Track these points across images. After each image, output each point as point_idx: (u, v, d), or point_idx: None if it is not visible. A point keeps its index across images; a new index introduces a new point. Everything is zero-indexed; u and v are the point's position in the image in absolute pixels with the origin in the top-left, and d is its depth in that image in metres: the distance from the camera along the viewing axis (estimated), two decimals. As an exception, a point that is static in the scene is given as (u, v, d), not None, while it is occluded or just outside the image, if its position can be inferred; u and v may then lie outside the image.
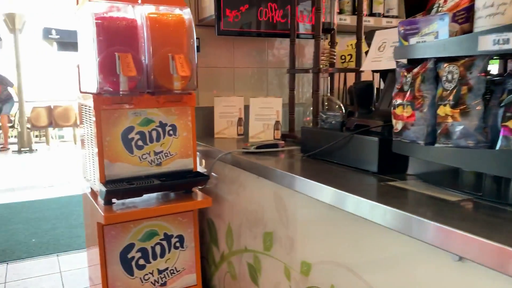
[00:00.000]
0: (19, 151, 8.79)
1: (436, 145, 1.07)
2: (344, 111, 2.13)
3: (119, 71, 1.69)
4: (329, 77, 2.22)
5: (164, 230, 1.98)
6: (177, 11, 1.94)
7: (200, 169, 2.26)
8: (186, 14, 1.92)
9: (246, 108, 2.31)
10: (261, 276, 1.74)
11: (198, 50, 2.34)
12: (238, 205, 1.86)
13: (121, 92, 1.73)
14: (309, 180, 1.30)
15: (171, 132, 1.92)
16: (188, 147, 1.97)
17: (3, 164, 7.54)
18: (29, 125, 9.25)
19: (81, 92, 2.00)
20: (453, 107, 1.00)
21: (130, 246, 1.92)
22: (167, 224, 1.98)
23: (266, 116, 2.16)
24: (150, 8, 1.87)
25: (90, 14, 1.72)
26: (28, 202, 4.85)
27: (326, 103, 2.17)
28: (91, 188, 2.03)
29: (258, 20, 2.28)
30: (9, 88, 8.89)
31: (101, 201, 1.83)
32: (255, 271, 1.78)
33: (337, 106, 2.15)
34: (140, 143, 1.86)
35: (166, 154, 1.92)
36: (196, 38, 2.32)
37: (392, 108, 1.20)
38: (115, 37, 1.75)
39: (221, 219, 2.05)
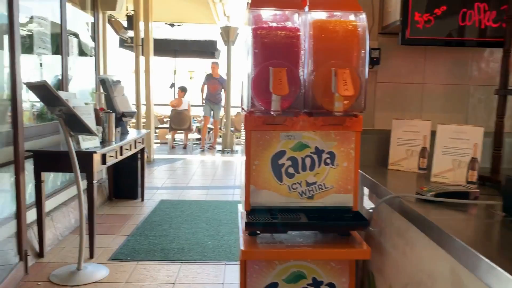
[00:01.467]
0: (222, 151, 9.68)
1: None
2: None
3: (271, 88, 1.46)
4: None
5: (313, 274, 1.68)
6: (350, 17, 1.62)
7: (364, 207, 1.88)
8: (360, 20, 1.58)
9: (434, 135, 1.83)
10: None
11: (377, 63, 1.96)
12: (403, 266, 1.43)
13: (272, 112, 1.50)
14: (501, 270, 0.82)
15: (328, 160, 1.61)
16: (348, 180, 1.62)
17: (206, 163, 8.39)
18: (232, 128, 10.11)
19: (241, 108, 1.86)
20: None
21: (273, 286, 1.69)
22: (317, 268, 1.68)
23: (458, 149, 1.65)
24: (317, 15, 1.60)
25: (248, 23, 1.55)
26: (215, 202, 5.17)
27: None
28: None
29: (460, 25, 1.76)
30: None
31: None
32: None
33: None
34: (291, 170, 1.61)
35: (320, 186, 1.62)
36: (376, 49, 1.96)
37: None
38: (272, 49, 1.54)
39: (382, 276, 1.63)
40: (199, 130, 11.36)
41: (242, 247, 1.55)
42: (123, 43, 8.34)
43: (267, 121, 1.57)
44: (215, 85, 9.69)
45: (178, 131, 10.25)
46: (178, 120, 9.74)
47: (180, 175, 6.90)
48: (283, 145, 1.60)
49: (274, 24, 1.55)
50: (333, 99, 1.49)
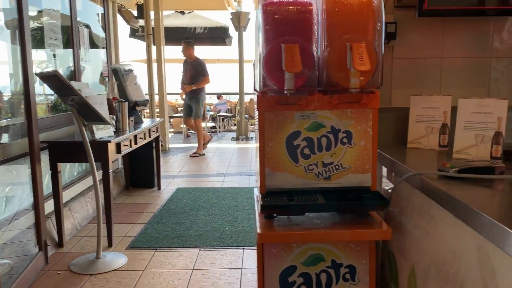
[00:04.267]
0: (237, 138, 9.66)
1: None
2: None
3: (284, 66, 1.41)
4: None
5: (332, 256, 1.65)
6: (364, -11, 1.55)
7: (382, 187, 1.83)
8: (375, -8, 1.51)
9: (454, 111, 1.76)
10: None
11: (393, 37, 1.89)
12: (425, 246, 1.38)
13: (285, 91, 1.46)
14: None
15: (345, 140, 1.56)
16: (366, 160, 1.57)
17: (222, 150, 8.38)
18: (246, 115, 10.07)
19: (254, 90, 1.82)
20: None
21: (292, 269, 1.65)
22: (336, 250, 1.64)
23: (481, 124, 1.58)
24: (330, -12, 1.53)
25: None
26: (231, 188, 5.15)
27: None
28: (258, 195, 1.84)
29: (480, -6, 1.68)
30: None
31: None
32: None
33: None
34: (306, 151, 1.56)
35: (337, 167, 1.57)
36: (392, 23, 1.89)
37: None
38: (284, 25, 1.48)
39: (403, 256, 1.58)
40: (213, 119, 11.34)
41: (258, 230, 1.51)
42: (134, 33, 8.32)
43: (281, 101, 1.52)
44: (189, 71, 7.12)
45: (192, 120, 10.24)
46: (192, 108, 9.72)
47: (196, 163, 6.90)
48: (298, 125, 1.55)
49: (285, -1, 1.49)
50: (348, 75, 1.43)
